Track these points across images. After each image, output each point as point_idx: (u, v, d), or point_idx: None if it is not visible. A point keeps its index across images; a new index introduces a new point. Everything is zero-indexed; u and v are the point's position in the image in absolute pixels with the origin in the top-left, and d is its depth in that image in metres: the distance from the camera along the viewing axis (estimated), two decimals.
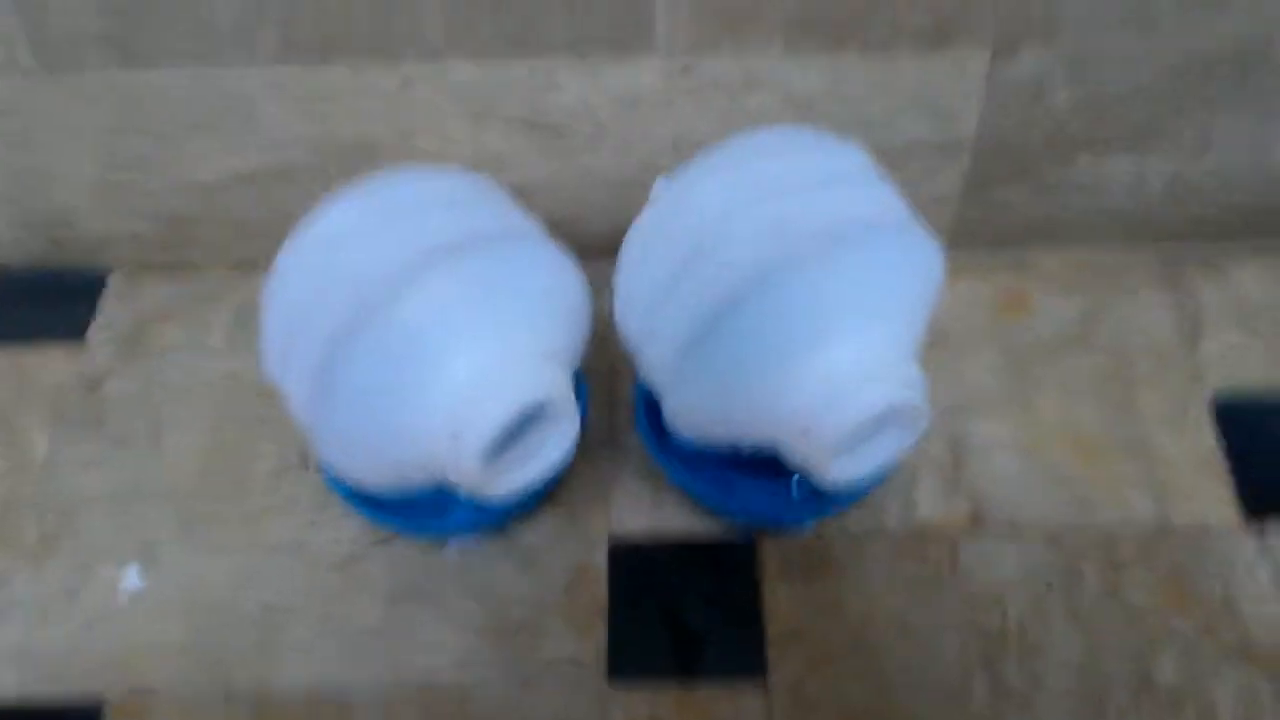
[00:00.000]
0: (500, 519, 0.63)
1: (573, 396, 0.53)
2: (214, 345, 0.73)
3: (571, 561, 0.62)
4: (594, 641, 0.59)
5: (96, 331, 0.75)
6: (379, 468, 0.55)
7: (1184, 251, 0.74)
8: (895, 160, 0.67)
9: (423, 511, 0.62)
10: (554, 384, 0.52)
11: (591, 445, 0.66)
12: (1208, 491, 0.63)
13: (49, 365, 0.73)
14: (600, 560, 0.62)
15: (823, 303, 0.50)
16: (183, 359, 0.73)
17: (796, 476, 0.62)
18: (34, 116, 0.66)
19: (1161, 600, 0.59)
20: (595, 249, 0.59)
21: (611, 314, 0.58)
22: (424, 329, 0.50)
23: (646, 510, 0.64)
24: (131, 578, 0.63)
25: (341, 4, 0.59)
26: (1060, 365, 0.69)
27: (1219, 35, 0.60)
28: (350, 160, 0.69)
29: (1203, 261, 0.73)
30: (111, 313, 0.76)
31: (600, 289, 0.58)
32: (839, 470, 0.53)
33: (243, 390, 0.71)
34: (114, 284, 0.77)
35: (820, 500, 0.61)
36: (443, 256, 0.51)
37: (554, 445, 0.55)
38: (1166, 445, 0.65)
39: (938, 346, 0.69)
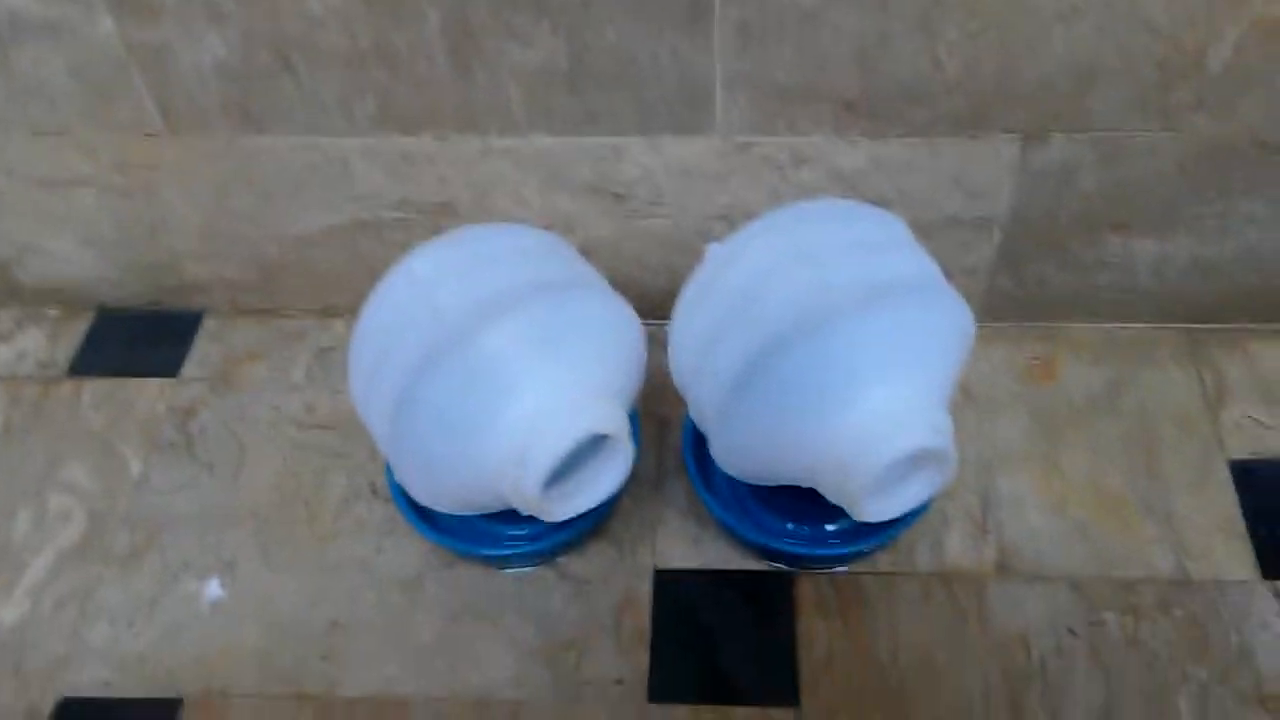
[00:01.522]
0: (555, 549, 0.67)
1: (628, 431, 0.58)
2: (295, 382, 0.80)
3: (618, 590, 0.67)
4: (637, 664, 0.63)
5: (190, 368, 0.81)
6: (449, 489, 0.60)
7: (1208, 330, 0.78)
8: (932, 234, 0.72)
9: (483, 538, 0.67)
10: (612, 419, 0.58)
11: (640, 485, 0.71)
12: (1226, 550, 0.66)
13: (145, 396, 0.80)
14: (645, 590, 0.66)
15: (859, 352, 0.55)
16: (266, 395, 0.79)
17: (830, 526, 0.66)
18: (155, 173, 0.74)
19: (1180, 649, 0.62)
20: (648, 309, 0.65)
21: (663, 368, 0.63)
22: (498, 362, 0.55)
23: (690, 546, 0.68)
24: (213, 589, 0.69)
25: (433, 80, 0.66)
26: (1087, 429, 0.72)
27: (1236, 125, 0.65)
28: (431, 218, 0.75)
29: (1225, 338, 0.77)
30: (204, 351, 0.82)
31: (653, 346, 0.64)
32: (873, 508, 0.57)
33: (319, 425, 0.77)
34: (208, 325, 0.84)
35: (854, 541, 0.65)
36: (518, 299, 0.56)
37: (609, 475, 0.60)
38: (1188, 506, 0.68)
39: (971, 408, 0.74)
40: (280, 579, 0.69)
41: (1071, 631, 0.63)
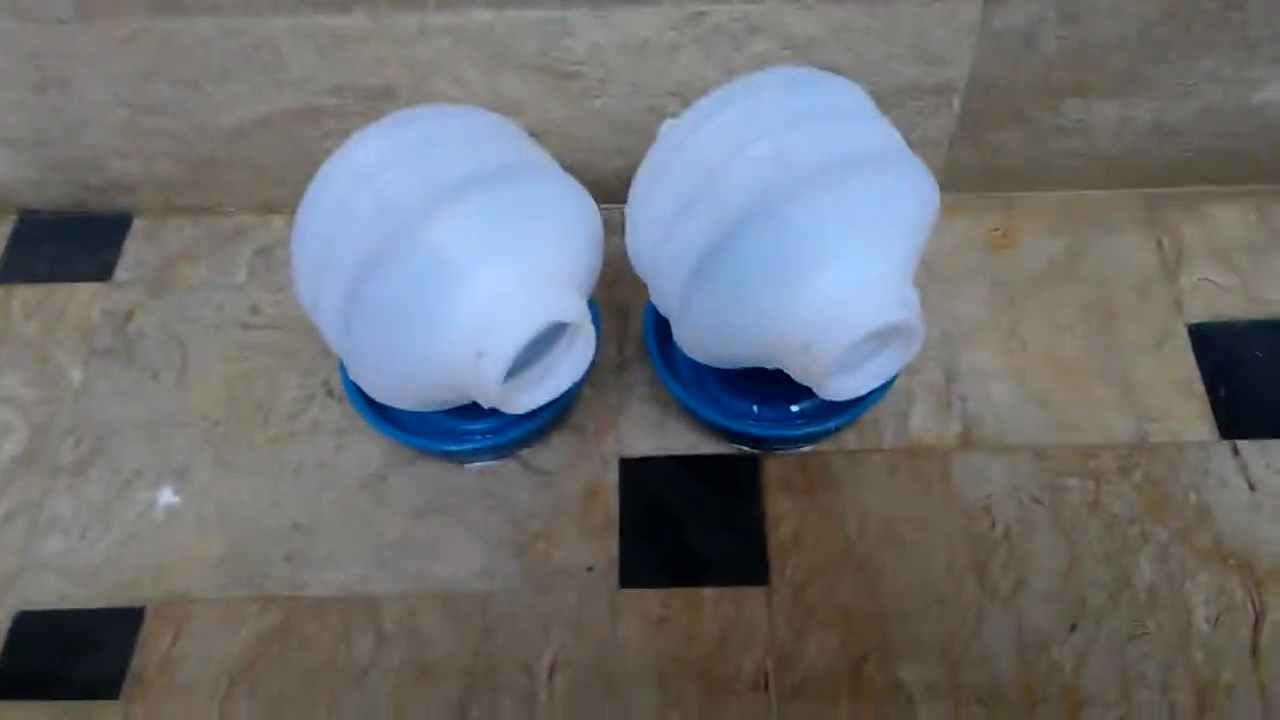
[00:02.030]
0: (518, 441, 0.66)
1: (589, 318, 0.57)
2: (237, 282, 0.77)
3: (584, 479, 0.66)
4: (607, 551, 0.63)
5: (123, 271, 0.78)
6: (407, 386, 0.58)
7: (1166, 193, 0.77)
8: (890, 103, 0.70)
9: (445, 434, 0.66)
10: (573, 306, 0.56)
11: (601, 374, 0.70)
12: (1185, 411, 0.67)
13: (78, 301, 0.76)
14: (612, 478, 0.66)
15: (822, 227, 0.53)
16: (207, 295, 0.76)
17: (795, 406, 0.66)
18: (67, 62, 0.69)
19: (1140, 510, 0.63)
20: (603, 194, 0.62)
21: (620, 254, 0.61)
22: (449, 252, 0.53)
23: (654, 433, 0.68)
24: (165, 496, 0.67)
25: None
26: (1046, 298, 0.72)
27: None
28: (369, 104, 0.71)
29: (1184, 203, 0.77)
30: (137, 252, 0.79)
31: (608, 232, 0.62)
32: (839, 386, 0.57)
33: (266, 325, 0.74)
34: (139, 226, 0.80)
35: (820, 420, 0.64)
36: (466, 186, 0.54)
37: (571, 364, 0.58)
38: (1146, 370, 0.69)
39: (931, 281, 0.73)
40: (236, 483, 0.67)
41: (1034, 499, 0.64)
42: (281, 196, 0.79)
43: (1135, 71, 0.69)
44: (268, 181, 0.78)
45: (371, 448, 0.68)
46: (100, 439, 0.69)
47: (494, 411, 0.58)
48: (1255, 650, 0.59)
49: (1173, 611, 0.60)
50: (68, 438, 0.69)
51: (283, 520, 0.66)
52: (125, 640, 0.62)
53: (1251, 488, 0.64)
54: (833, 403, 0.60)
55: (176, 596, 0.63)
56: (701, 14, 0.65)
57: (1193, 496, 0.63)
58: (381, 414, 0.65)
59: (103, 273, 0.78)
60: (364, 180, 0.54)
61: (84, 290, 0.76)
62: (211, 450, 0.69)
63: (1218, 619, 0.60)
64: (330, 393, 0.71)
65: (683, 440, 0.67)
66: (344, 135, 0.56)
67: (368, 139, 0.55)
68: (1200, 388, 0.68)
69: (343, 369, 0.66)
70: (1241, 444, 0.65)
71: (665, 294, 0.59)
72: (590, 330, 0.57)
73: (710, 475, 0.66)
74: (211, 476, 0.68)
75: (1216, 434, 0.66)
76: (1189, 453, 0.65)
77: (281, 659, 0.61)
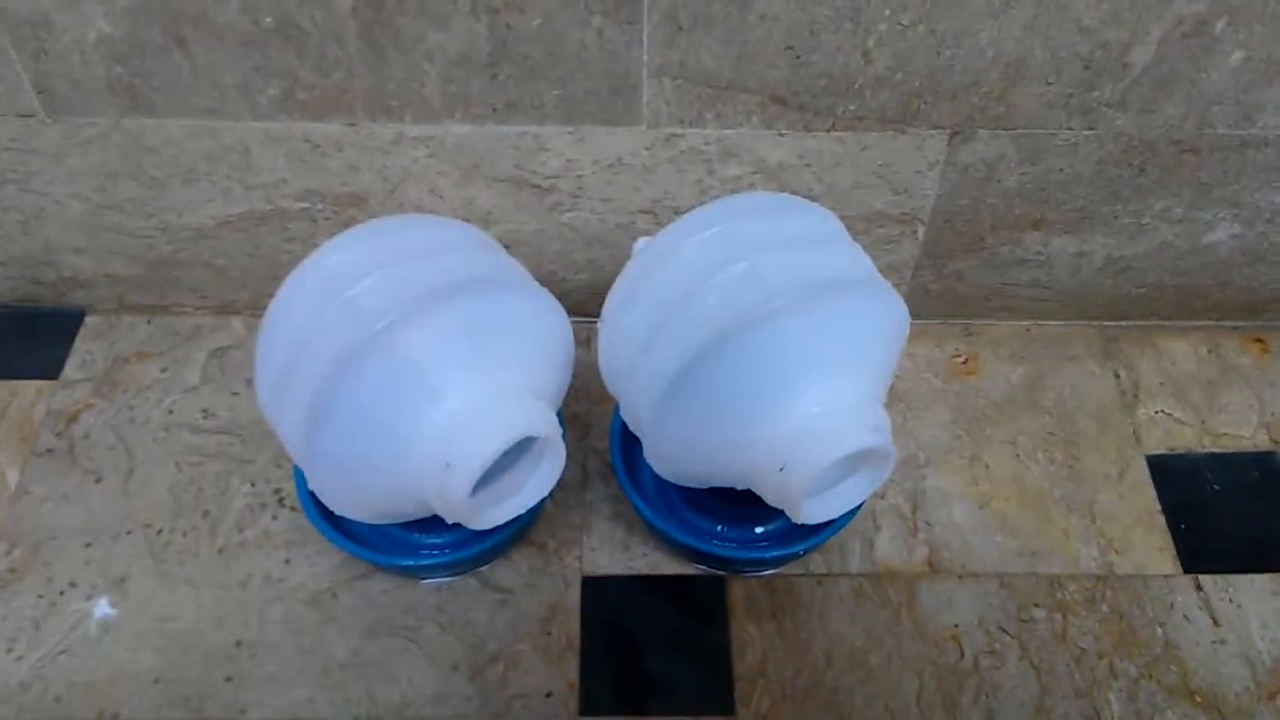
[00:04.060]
0: (477, 557, 0.64)
1: (559, 433, 0.56)
2: (190, 383, 0.75)
3: (545, 599, 0.64)
4: (567, 676, 0.61)
5: (72, 369, 0.75)
6: (369, 496, 0.56)
7: (1121, 326, 0.79)
8: (858, 229, 0.72)
9: (401, 548, 0.63)
10: (542, 420, 0.55)
11: (564, 489, 0.69)
12: (1147, 543, 0.67)
13: (22, 400, 0.73)
14: (573, 598, 0.64)
15: (795, 352, 0.53)
16: (158, 397, 0.74)
17: (761, 528, 0.65)
18: (29, 156, 0.68)
19: (1108, 644, 0.62)
20: (572, 307, 0.62)
21: (589, 368, 0.61)
22: (420, 363, 0.52)
23: (618, 551, 0.66)
24: (101, 608, 0.63)
25: (343, 63, 0.62)
26: (1009, 425, 0.73)
27: (1155, 124, 0.65)
28: (339, 209, 0.71)
29: (1138, 336, 0.79)
30: (88, 351, 0.76)
31: (575, 344, 0.61)
32: (811, 509, 0.56)
33: (218, 429, 0.72)
34: (91, 324, 0.78)
35: (786, 543, 0.63)
36: (440, 297, 0.53)
37: (540, 479, 0.57)
38: (1109, 501, 0.69)
39: (895, 405, 0.73)
40: (177, 596, 0.64)
41: (1003, 629, 0.63)
42: (242, 298, 0.78)
43: (1091, 209, 0.71)
44: (228, 283, 0.77)
45: (323, 561, 0.65)
46: (35, 545, 0.66)
47: (453, 526, 0.56)
48: None
49: None
50: (0, 543, 0.66)
51: (226, 637, 0.62)
52: None
53: (1215, 623, 0.64)
54: (798, 525, 0.59)
55: (107, 717, 0.59)
56: (676, 136, 0.66)
57: (1159, 631, 0.63)
58: (336, 525, 0.62)
59: (51, 370, 0.75)
60: (336, 287, 0.53)
61: (29, 388, 0.74)
62: (153, 560, 0.66)
63: None
64: (282, 502, 0.68)
65: (647, 560, 0.66)
66: (310, 240, 0.55)
67: (341, 246, 0.55)
68: (1161, 520, 0.68)
69: (297, 477, 0.64)
70: (1204, 578, 0.65)
71: (637, 411, 0.58)
72: (560, 445, 0.56)
73: (675, 596, 0.64)
74: (152, 588, 0.64)
75: (1179, 568, 0.66)
76: (1153, 586, 0.65)
77: None
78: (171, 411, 0.73)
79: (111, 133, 0.66)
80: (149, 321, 0.78)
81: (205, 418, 0.73)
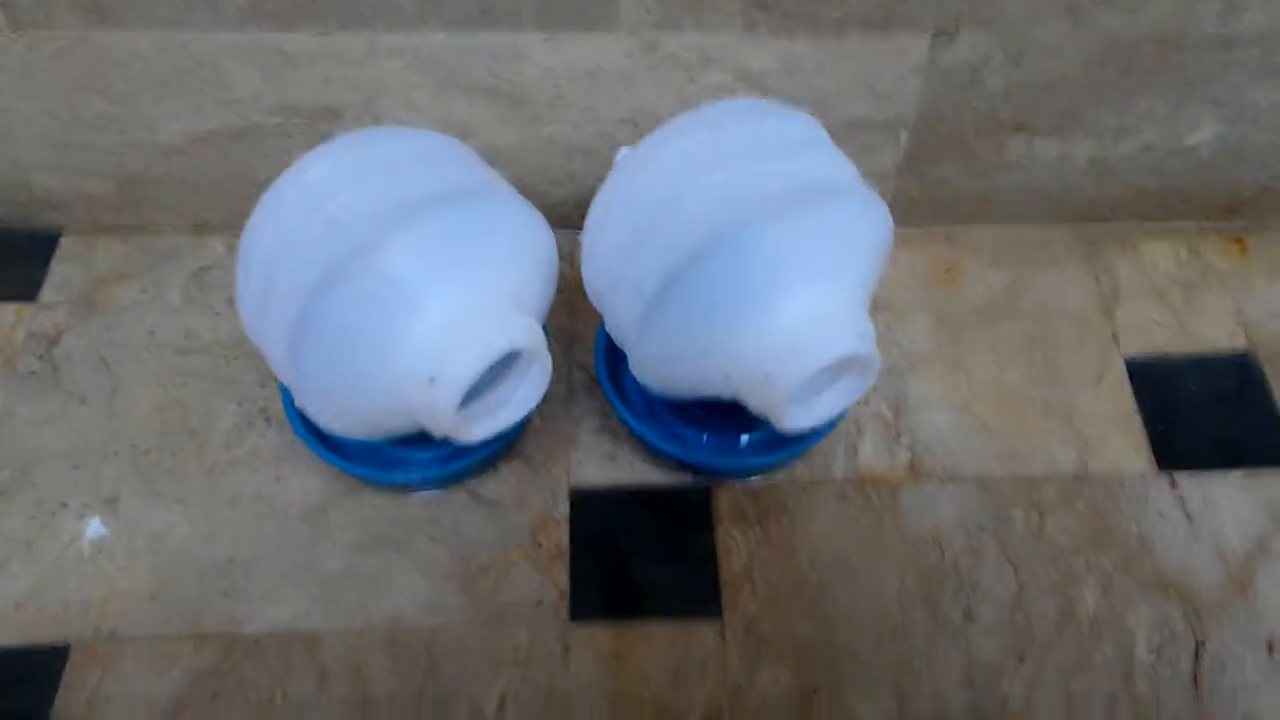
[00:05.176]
0: (466, 471, 0.65)
1: (545, 345, 0.56)
2: (171, 304, 0.74)
3: (534, 511, 0.65)
4: (557, 584, 0.62)
5: (49, 291, 0.74)
6: (355, 412, 0.56)
7: (1103, 230, 0.79)
8: (840, 137, 0.70)
9: (390, 463, 0.64)
10: (528, 332, 0.55)
11: (550, 403, 0.69)
12: (1123, 444, 0.68)
13: (1, 323, 0.73)
14: (562, 509, 0.65)
15: (781, 258, 0.53)
16: (139, 318, 0.73)
17: (746, 437, 0.66)
18: None
19: (1083, 541, 0.64)
20: (553, 221, 0.61)
21: (569, 281, 0.60)
22: (403, 275, 0.52)
23: (605, 463, 0.67)
24: (94, 527, 0.64)
25: None
26: (990, 331, 0.74)
27: (1138, 25, 0.65)
28: (314, 124, 0.70)
29: (1120, 239, 0.79)
30: (64, 272, 0.75)
31: (561, 258, 0.61)
32: (796, 417, 0.56)
33: (201, 349, 0.72)
34: (67, 245, 0.77)
35: (771, 450, 0.64)
36: (421, 208, 0.53)
37: (527, 392, 0.57)
38: (1086, 403, 0.70)
39: (878, 313, 0.74)
40: (169, 514, 0.65)
41: (981, 529, 0.64)
42: (219, 216, 0.77)
43: (1075, 110, 0.71)
44: (204, 201, 0.76)
45: (312, 478, 0.66)
46: (23, 467, 0.66)
47: (441, 440, 0.57)
48: (1196, 681, 0.60)
49: (1116, 643, 0.61)
50: None
51: (218, 554, 0.63)
52: (48, 680, 0.59)
53: (1189, 519, 0.65)
54: (784, 433, 0.60)
55: (104, 634, 0.60)
56: (655, 42, 0.65)
57: (1133, 528, 0.65)
58: (324, 442, 0.63)
59: (28, 293, 0.74)
60: (315, 201, 0.53)
61: (7, 311, 0.73)
62: (142, 480, 0.66)
63: (1160, 650, 0.61)
64: (269, 420, 0.68)
65: (634, 471, 0.67)
66: (285, 156, 0.54)
67: (319, 159, 0.54)
68: (1138, 421, 0.69)
69: (284, 395, 0.64)
70: (1178, 476, 0.67)
71: (622, 322, 0.58)
72: (547, 358, 0.56)
73: (662, 506, 0.65)
74: (142, 507, 0.65)
75: (1155, 466, 0.67)
76: (1129, 484, 0.67)
77: (216, 700, 0.58)
78: (153, 333, 0.72)
79: (77, 46, 0.64)
80: (126, 242, 0.77)
81: (188, 338, 0.72)
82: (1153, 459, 0.68)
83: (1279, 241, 0.79)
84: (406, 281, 0.52)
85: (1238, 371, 0.72)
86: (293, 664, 0.59)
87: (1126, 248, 0.78)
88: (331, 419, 0.57)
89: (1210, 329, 0.74)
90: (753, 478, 0.66)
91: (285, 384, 0.57)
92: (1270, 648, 0.61)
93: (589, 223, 0.59)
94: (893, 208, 0.76)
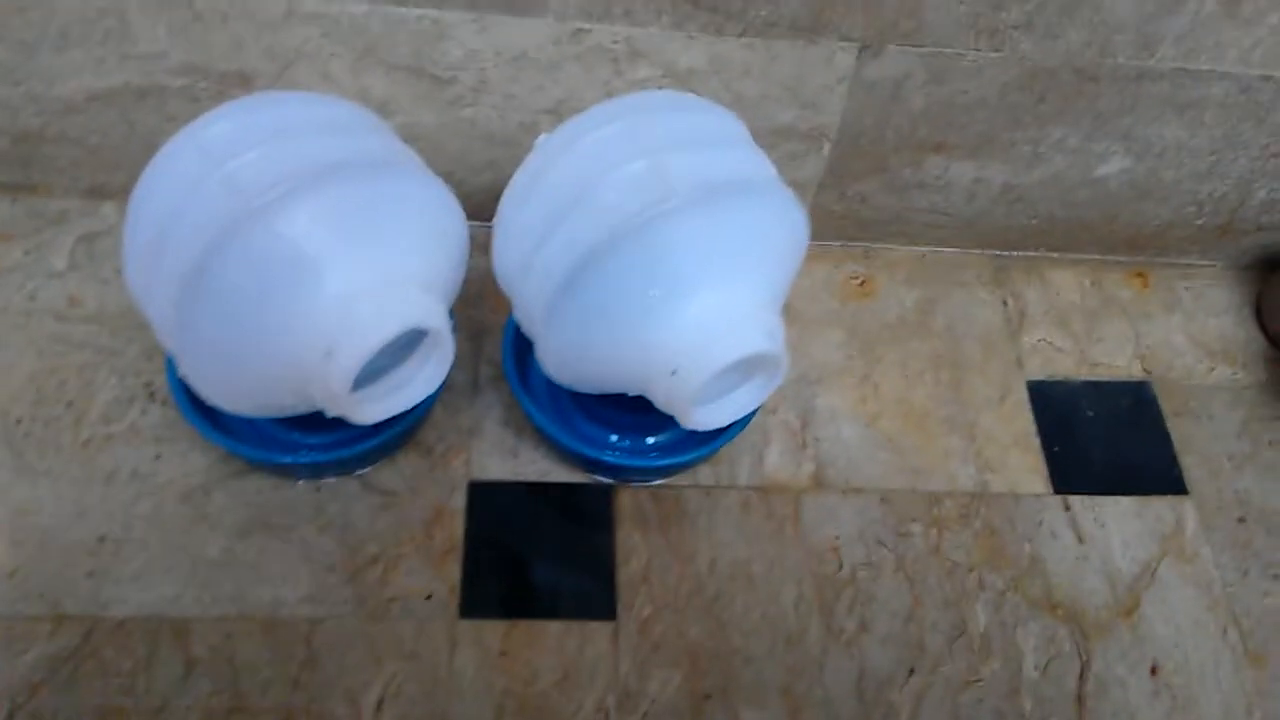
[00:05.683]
0: (360, 458, 0.62)
1: (449, 329, 0.54)
2: (55, 269, 0.70)
3: (429, 502, 0.63)
4: (448, 579, 0.60)
5: None
6: (245, 385, 0.54)
7: (1012, 256, 0.81)
8: (764, 144, 0.70)
9: (279, 445, 0.61)
10: (432, 312, 0.53)
11: (454, 394, 0.67)
12: (1022, 464, 0.69)
13: None
14: (459, 502, 0.63)
15: (695, 250, 0.53)
16: (20, 282, 0.69)
17: (652, 439, 0.65)
18: None
19: (978, 558, 0.65)
20: (469, 207, 0.60)
21: (480, 272, 0.59)
22: (303, 241, 0.49)
23: (506, 458, 0.65)
24: None
25: None
26: (900, 347, 0.74)
27: (1055, 52, 0.66)
28: (222, 89, 0.67)
29: (1027, 266, 0.80)
30: None
31: (471, 248, 0.59)
32: (702, 415, 0.56)
33: (85, 318, 0.68)
34: None
35: (677, 453, 0.63)
36: (326, 174, 0.50)
37: (427, 375, 0.55)
38: (988, 423, 0.71)
39: (791, 324, 0.73)
40: (37, 489, 0.61)
41: (880, 542, 0.64)
42: (115, 181, 0.73)
43: (991, 134, 0.72)
44: (100, 164, 0.72)
45: (196, 457, 0.63)
46: None
47: (336, 424, 0.54)
48: (1080, 700, 0.60)
49: (1005, 659, 0.61)
50: None
51: (88, 532, 0.59)
52: None
53: (1080, 540, 0.66)
54: (690, 436, 0.59)
55: None
56: (584, 31, 0.64)
57: (1026, 547, 0.65)
58: (210, 420, 0.60)
59: None
60: (214, 160, 0.50)
61: None
62: (10, 451, 0.62)
63: (1046, 667, 0.61)
64: (153, 396, 0.65)
65: (536, 467, 0.65)
66: (190, 120, 0.52)
67: (221, 116, 0.51)
68: (1037, 442, 0.70)
69: (170, 369, 0.61)
70: (1072, 499, 0.68)
71: (530, 309, 0.56)
72: (449, 341, 0.55)
73: (562, 504, 0.64)
74: (9, 480, 0.61)
75: (1050, 487, 0.68)
76: (1025, 504, 0.67)
77: (71, 686, 0.55)
78: (34, 298, 0.68)
79: None
80: (14, 201, 0.73)
81: (71, 306, 0.68)
82: (1049, 480, 0.69)
83: (1179, 276, 0.81)
84: (307, 247, 0.49)
85: (1134, 398, 0.74)
86: (159, 650, 0.56)
87: (1034, 275, 0.80)
88: (218, 390, 0.54)
89: (1109, 357, 0.76)
90: (656, 480, 0.65)
91: (170, 350, 0.54)
92: (1153, 671, 0.62)
93: (503, 205, 0.57)
94: (812, 221, 0.76)
